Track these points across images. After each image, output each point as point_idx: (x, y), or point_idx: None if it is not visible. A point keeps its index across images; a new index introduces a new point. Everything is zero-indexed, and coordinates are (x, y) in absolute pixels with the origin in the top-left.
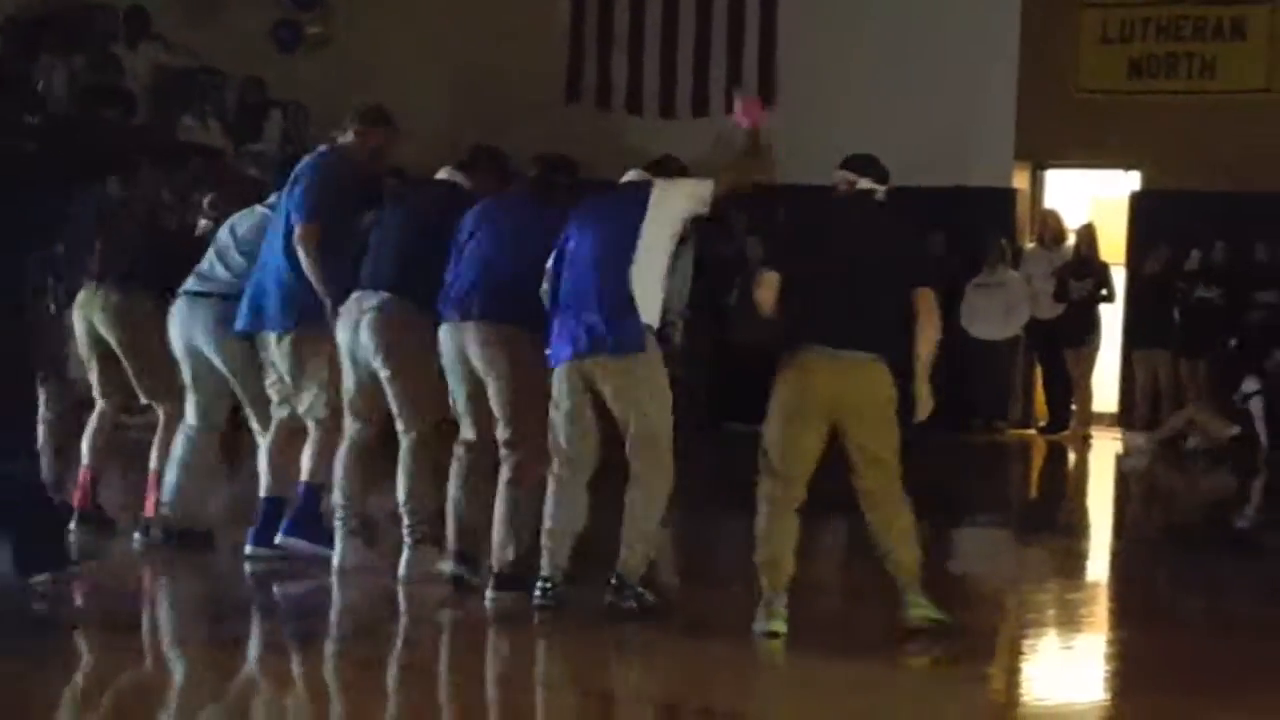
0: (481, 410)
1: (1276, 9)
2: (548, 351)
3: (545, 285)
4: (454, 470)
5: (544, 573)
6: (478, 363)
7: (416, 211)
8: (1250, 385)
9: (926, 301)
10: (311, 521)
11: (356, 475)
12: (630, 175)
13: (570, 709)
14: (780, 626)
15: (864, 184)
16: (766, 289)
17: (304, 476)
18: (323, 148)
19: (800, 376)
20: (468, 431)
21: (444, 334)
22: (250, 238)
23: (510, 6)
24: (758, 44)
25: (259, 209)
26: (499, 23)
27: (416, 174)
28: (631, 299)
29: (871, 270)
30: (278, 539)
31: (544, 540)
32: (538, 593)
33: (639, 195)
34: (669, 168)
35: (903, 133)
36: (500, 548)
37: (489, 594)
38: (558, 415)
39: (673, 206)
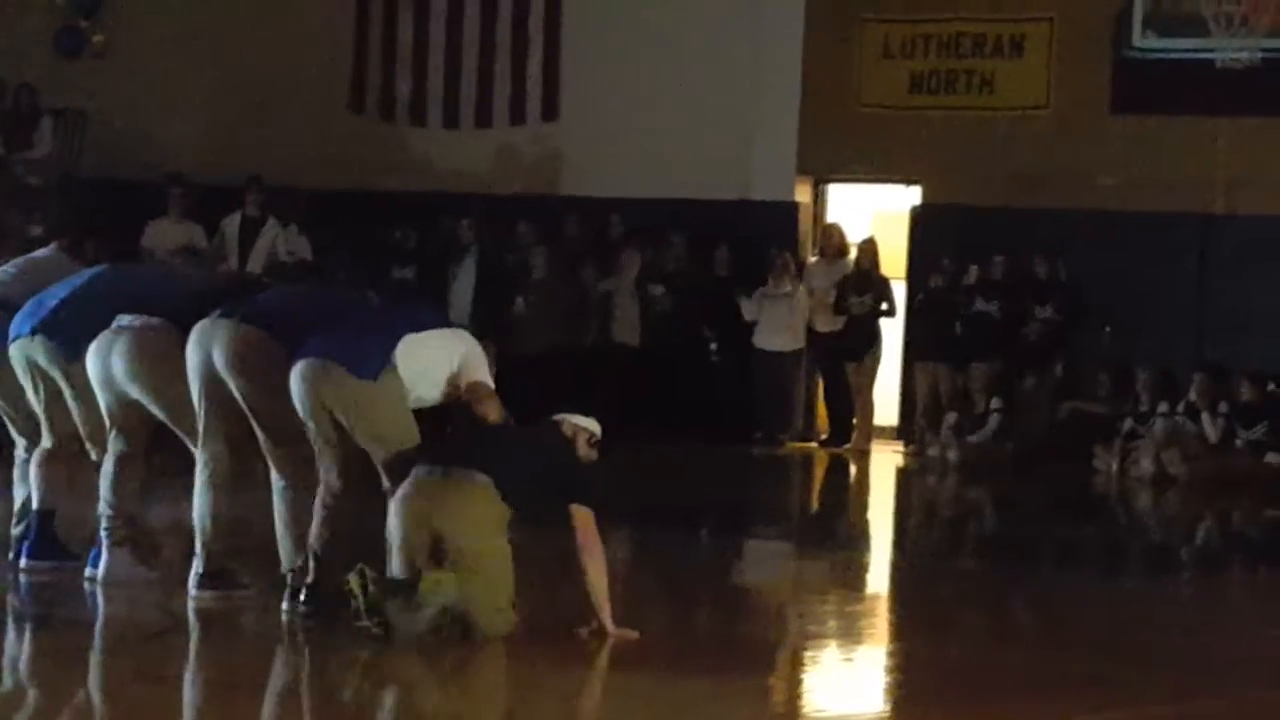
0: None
1: (1055, 27)
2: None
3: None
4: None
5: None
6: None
7: None
8: (995, 402)
9: (583, 521)
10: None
11: (122, 487)
12: None
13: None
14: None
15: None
16: None
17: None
18: None
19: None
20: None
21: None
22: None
23: (293, 17)
24: (541, 56)
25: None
26: (282, 32)
27: (196, 180)
28: (382, 344)
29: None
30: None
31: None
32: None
33: (440, 317)
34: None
35: (686, 146)
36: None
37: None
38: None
39: (455, 350)
